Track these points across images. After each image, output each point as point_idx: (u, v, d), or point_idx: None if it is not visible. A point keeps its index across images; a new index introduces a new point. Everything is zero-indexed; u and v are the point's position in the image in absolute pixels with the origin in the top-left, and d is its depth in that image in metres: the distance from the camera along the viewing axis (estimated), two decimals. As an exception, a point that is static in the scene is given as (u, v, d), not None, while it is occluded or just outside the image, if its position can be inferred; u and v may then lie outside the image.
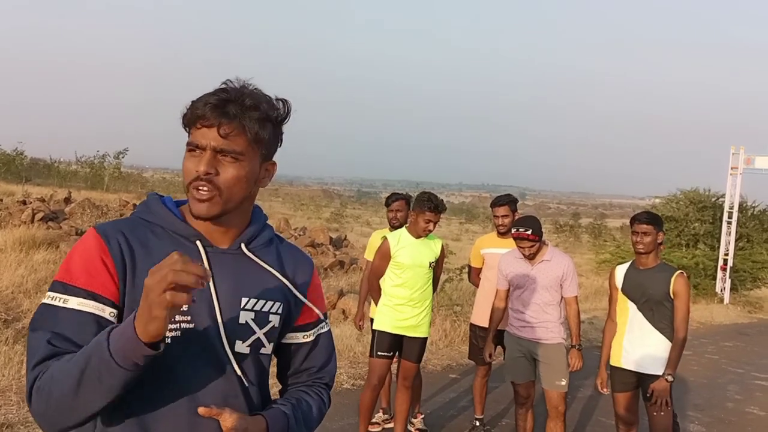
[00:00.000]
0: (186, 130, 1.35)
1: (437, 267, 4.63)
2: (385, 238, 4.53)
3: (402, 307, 4.42)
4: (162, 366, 1.28)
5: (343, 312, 9.65)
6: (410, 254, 4.40)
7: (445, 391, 6.53)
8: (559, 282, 4.24)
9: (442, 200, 4.50)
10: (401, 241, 4.45)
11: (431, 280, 4.56)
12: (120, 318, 1.31)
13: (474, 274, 5.41)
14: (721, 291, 19.09)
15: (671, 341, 3.83)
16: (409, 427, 5.23)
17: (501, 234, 5.04)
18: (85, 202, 15.37)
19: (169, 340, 1.29)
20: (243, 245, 1.43)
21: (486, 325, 4.90)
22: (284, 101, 1.40)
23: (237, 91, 1.33)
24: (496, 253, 4.95)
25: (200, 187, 1.31)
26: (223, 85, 1.35)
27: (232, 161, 1.33)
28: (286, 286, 1.47)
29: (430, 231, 4.48)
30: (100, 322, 1.27)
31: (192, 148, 1.33)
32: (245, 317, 1.39)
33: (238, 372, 1.37)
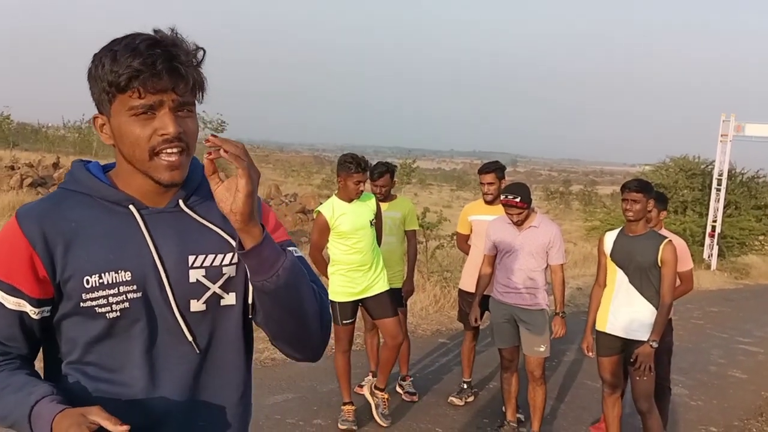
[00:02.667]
0: (113, 92, 1.21)
1: (377, 221, 4.57)
2: (319, 212, 4.43)
3: (353, 272, 4.38)
4: (117, 338, 1.27)
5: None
6: (350, 220, 4.34)
7: (434, 355, 6.62)
8: (545, 249, 4.27)
9: (365, 158, 4.42)
10: (336, 210, 4.35)
11: (375, 237, 4.53)
12: (54, 309, 1.27)
13: (461, 241, 5.43)
14: (709, 257, 19.31)
15: (657, 308, 3.89)
16: (398, 390, 5.32)
17: (488, 201, 5.04)
18: (73, 167, 15.32)
19: (118, 314, 1.26)
20: (181, 201, 1.35)
21: (472, 290, 4.95)
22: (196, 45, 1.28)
23: (173, 43, 1.22)
24: (484, 220, 4.96)
25: (171, 149, 1.23)
26: (153, 37, 1.22)
27: (188, 114, 1.26)
28: (232, 233, 1.35)
29: (362, 191, 4.40)
30: (23, 318, 1.25)
31: (142, 111, 1.21)
32: (195, 275, 1.32)
33: (188, 335, 1.32)
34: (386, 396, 4.60)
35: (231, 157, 1.15)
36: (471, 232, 5.22)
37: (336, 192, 4.51)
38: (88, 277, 1.24)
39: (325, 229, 4.37)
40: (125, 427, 1.11)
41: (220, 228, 1.36)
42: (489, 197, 4.99)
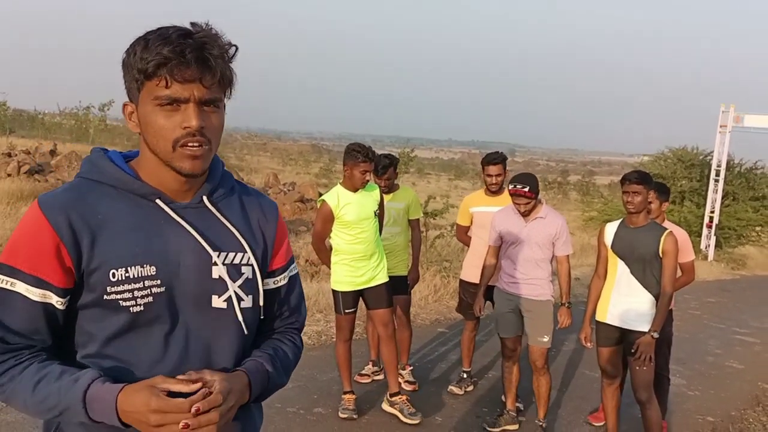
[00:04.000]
0: (141, 79, 1.22)
1: (380, 212, 4.57)
2: (323, 201, 4.40)
3: (357, 262, 4.39)
4: (138, 332, 1.28)
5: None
6: (355, 210, 4.32)
7: (434, 345, 6.64)
8: (551, 240, 4.27)
9: (371, 148, 4.42)
10: (341, 199, 4.34)
11: (378, 228, 4.54)
12: (76, 296, 1.26)
13: (461, 233, 5.42)
14: (706, 248, 19.36)
15: (657, 299, 3.90)
16: (399, 379, 5.33)
17: (492, 192, 5.03)
18: (71, 154, 15.22)
19: (141, 308, 1.26)
20: (205, 198, 1.36)
21: (475, 281, 4.96)
22: (230, 41, 1.29)
23: (205, 35, 1.23)
24: (486, 212, 4.96)
25: (193, 144, 1.24)
26: (186, 28, 1.24)
27: (214, 110, 1.27)
28: (253, 234, 1.41)
29: (368, 181, 4.39)
30: (48, 309, 1.24)
31: (167, 102, 1.22)
32: (218, 272, 1.33)
33: (227, 327, 1.35)
34: (404, 397, 4.55)
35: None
36: (471, 223, 5.21)
37: (341, 181, 4.49)
38: (114, 270, 1.24)
39: (329, 219, 4.35)
40: (197, 384, 1.16)
41: (237, 230, 1.38)
42: (495, 188, 4.98)
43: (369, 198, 4.42)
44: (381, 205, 4.58)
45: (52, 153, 16.69)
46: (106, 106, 37.79)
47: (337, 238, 4.43)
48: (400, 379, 5.28)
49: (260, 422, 1.50)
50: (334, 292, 4.47)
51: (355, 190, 4.36)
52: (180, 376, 1.20)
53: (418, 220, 5.33)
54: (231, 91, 1.31)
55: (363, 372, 5.28)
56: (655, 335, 3.85)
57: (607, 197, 27.72)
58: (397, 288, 4.91)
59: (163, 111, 1.23)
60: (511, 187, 4.24)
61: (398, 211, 5.09)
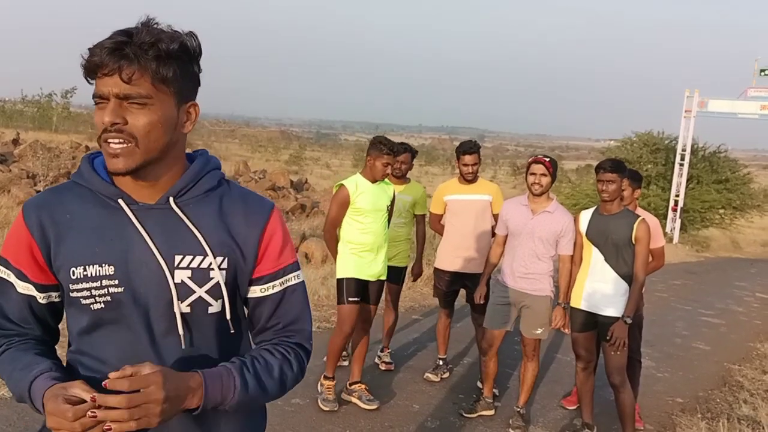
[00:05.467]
0: (89, 81, 1.25)
1: (391, 208, 4.66)
2: (341, 185, 4.48)
3: (365, 253, 4.43)
4: (104, 331, 1.31)
5: (306, 256, 9.69)
6: (370, 200, 4.39)
7: (408, 331, 6.68)
8: (555, 237, 4.23)
9: (396, 143, 4.54)
10: (359, 186, 4.41)
11: (387, 223, 4.61)
12: (61, 293, 1.34)
13: (434, 221, 5.43)
14: (672, 231, 19.78)
15: (630, 285, 3.98)
16: (376, 361, 5.43)
17: (467, 181, 5.06)
18: (35, 144, 14.86)
19: (102, 306, 1.28)
20: (171, 199, 1.32)
21: (450, 269, 5.04)
22: (191, 34, 1.27)
23: (135, 30, 1.21)
24: (460, 200, 5.02)
25: (110, 140, 1.22)
26: (129, 28, 1.23)
27: (140, 107, 1.22)
28: (230, 238, 1.35)
29: (388, 174, 4.50)
30: (31, 302, 1.33)
31: (98, 100, 1.23)
32: (181, 276, 1.29)
33: (179, 333, 1.31)
34: (363, 386, 4.63)
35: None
36: (444, 212, 5.24)
37: (361, 171, 4.57)
38: (74, 269, 1.28)
39: (344, 203, 4.40)
40: (92, 395, 1.13)
41: (201, 234, 1.32)
42: (470, 177, 5.01)
43: (384, 192, 4.51)
44: (392, 202, 4.66)
45: (15, 142, 16.27)
46: (69, 93, 36.96)
47: (347, 226, 4.47)
48: (377, 360, 5.42)
49: (264, 426, 1.49)
50: (339, 280, 4.47)
51: (374, 180, 4.44)
52: (113, 373, 1.14)
53: (423, 215, 5.45)
54: (173, 87, 1.26)
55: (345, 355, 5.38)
56: (629, 320, 3.93)
57: (575, 182, 28.08)
58: (395, 277, 5.19)
59: (98, 109, 1.25)
60: (532, 158, 4.33)
61: (405, 203, 5.23)
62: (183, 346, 1.31)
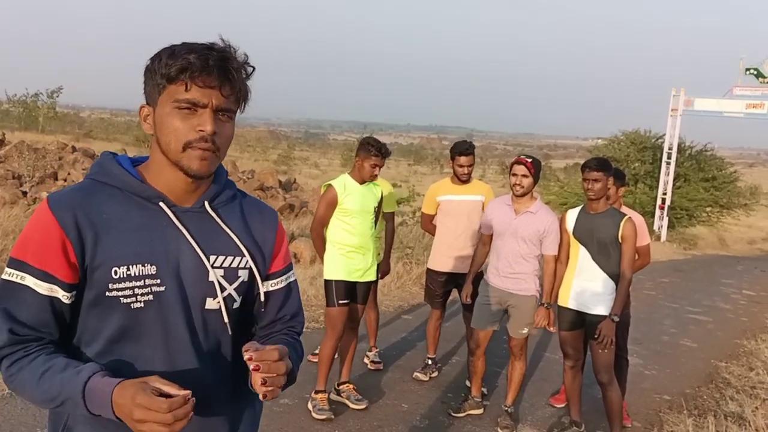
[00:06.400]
0: (164, 83, 1.31)
1: (378, 209, 4.64)
2: (329, 186, 4.45)
3: (353, 254, 4.41)
4: (137, 330, 1.35)
5: (295, 255, 9.67)
6: (358, 200, 4.38)
7: (397, 331, 6.68)
8: (539, 237, 4.25)
9: (386, 145, 4.49)
10: (347, 187, 4.40)
11: (374, 225, 4.58)
12: (80, 293, 1.32)
13: (426, 221, 5.43)
14: (659, 229, 19.92)
15: (617, 283, 3.99)
16: (365, 360, 5.42)
17: (461, 182, 5.05)
18: (21, 144, 14.72)
19: (142, 305, 1.33)
20: (206, 203, 1.43)
21: (442, 269, 5.03)
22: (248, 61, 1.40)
23: (225, 49, 1.33)
24: (453, 200, 5.02)
25: (204, 147, 1.32)
26: (211, 43, 1.34)
27: (227, 120, 1.36)
28: (252, 240, 1.49)
29: (376, 175, 4.48)
30: (54, 304, 1.30)
31: (186, 105, 1.30)
32: (214, 274, 1.40)
33: (225, 323, 1.42)
34: (351, 386, 4.62)
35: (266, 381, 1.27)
36: (436, 212, 5.24)
37: (349, 171, 4.54)
38: (116, 268, 1.31)
39: (332, 203, 4.37)
40: (187, 392, 1.18)
41: (236, 235, 1.45)
42: (465, 177, 5.00)
43: (372, 193, 4.49)
44: (380, 203, 4.64)
45: (1, 142, 16.12)
46: (55, 92, 36.66)
47: (334, 227, 4.44)
48: (366, 360, 5.40)
49: (260, 412, 1.61)
50: (327, 282, 4.42)
51: (362, 182, 4.42)
52: (251, 352, 1.25)
53: (392, 213, 5.41)
54: (244, 106, 1.41)
55: (316, 352, 5.35)
56: (616, 319, 3.94)
57: (563, 181, 28.20)
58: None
59: (181, 113, 1.31)
60: (516, 158, 4.31)
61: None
62: (230, 333, 1.43)
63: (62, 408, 1.26)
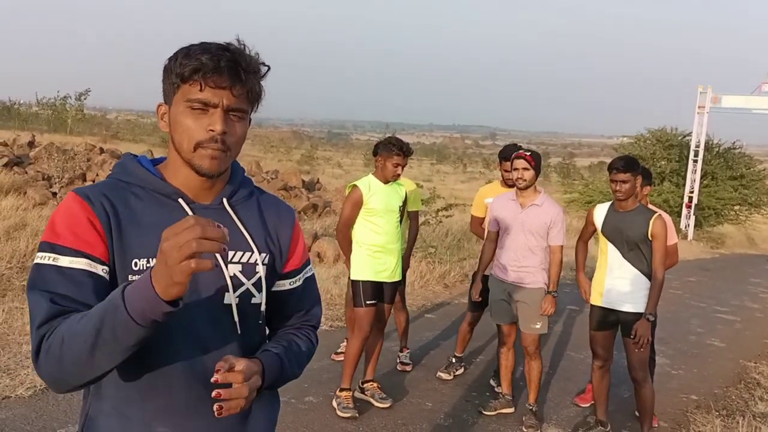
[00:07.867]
0: (178, 82, 1.33)
1: (403, 208, 4.66)
2: (354, 186, 4.49)
3: (379, 254, 4.44)
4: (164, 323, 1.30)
5: (318, 255, 9.71)
6: (383, 200, 4.41)
7: (421, 330, 6.68)
8: (546, 228, 4.29)
9: (408, 144, 4.51)
10: (372, 187, 4.43)
11: (399, 224, 4.60)
12: (112, 276, 1.32)
13: (475, 224, 5.44)
14: (686, 227, 19.63)
15: (650, 280, 3.96)
16: (398, 361, 5.45)
17: (509, 186, 4.97)
18: (50, 146, 14.98)
19: None
20: (225, 200, 1.46)
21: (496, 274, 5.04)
22: (263, 61, 1.42)
23: (239, 49, 1.35)
24: None
25: (214, 147, 1.34)
26: (226, 44, 1.35)
27: (239, 120, 1.38)
28: (269, 237, 1.51)
29: (399, 174, 4.49)
30: (93, 277, 1.29)
31: (198, 105, 1.33)
32: (233, 270, 1.42)
33: (234, 321, 1.42)
34: (375, 384, 4.65)
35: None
36: (485, 214, 5.23)
37: (373, 171, 4.58)
38: (136, 260, 1.33)
39: (358, 204, 4.42)
40: (225, 230, 1.11)
41: (249, 233, 1.47)
42: (521, 183, 4.96)
43: (396, 193, 4.52)
44: (404, 202, 4.66)
45: (31, 144, 16.42)
46: (83, 95, 37.23)
47: (360, 227, 4.47)
48: (398, 361, 5.43)
49: (278, 409, 1.63)
50: (354, 282, 4.46)
51: (385, 181, 4.46)
52: (221, 365, 1.24)
53: (417, 212, 5.45)
54: (256, 107, 1.43)
55: (339, 350, 5.44)
56: (651, 318, 3.92)
57: (588, 179, 27.92)
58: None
59: (193, 113, 1.33)
60: (515, 153, 4.34)
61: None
62: (239, 332, 1.43)
63: (99, 340, 1.15)
